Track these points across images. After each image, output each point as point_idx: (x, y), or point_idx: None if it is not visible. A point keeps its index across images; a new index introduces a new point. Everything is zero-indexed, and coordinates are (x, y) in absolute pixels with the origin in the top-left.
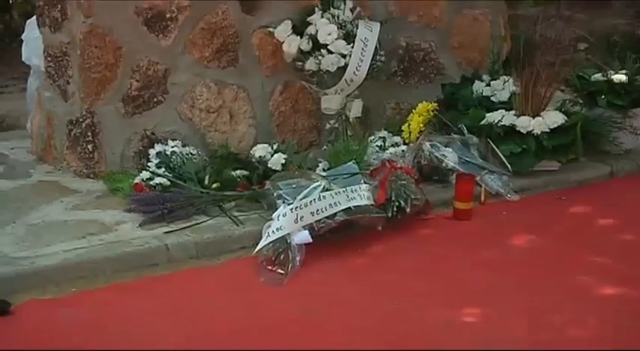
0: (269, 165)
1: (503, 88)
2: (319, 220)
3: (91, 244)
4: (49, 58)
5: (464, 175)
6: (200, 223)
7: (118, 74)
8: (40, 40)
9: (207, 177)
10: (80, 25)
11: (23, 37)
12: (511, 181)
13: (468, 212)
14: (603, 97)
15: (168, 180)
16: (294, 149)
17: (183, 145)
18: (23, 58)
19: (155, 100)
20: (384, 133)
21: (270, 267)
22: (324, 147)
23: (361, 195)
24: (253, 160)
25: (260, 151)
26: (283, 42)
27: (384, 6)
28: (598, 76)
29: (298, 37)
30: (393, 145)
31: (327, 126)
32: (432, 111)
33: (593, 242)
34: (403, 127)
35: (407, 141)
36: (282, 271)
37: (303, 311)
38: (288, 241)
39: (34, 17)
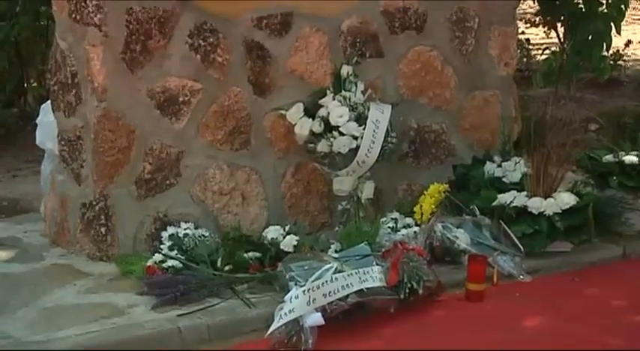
0: (281, 247)
1: (514, 169)
2: (331, 302)
3: (103, 328)
4: (63, 142)
5: (476, 256)
6: (212, 305)
7: (131, 157)
8: (55, 124)
9: (219, 259)
10: (94, 109)
11: (38, 121)
12: (523, 262)
13: (480, 293)
14: (615, 178)
15: (181, 262)
16: (306, 231)
17: (196, 227)
18: (37, 142)
19: (168, 182)
20: (395, 215)
21: (282, 349)
22: (336, 228)
23: (373, 277)
24: (265, 241)
25: (272, 232)
26: (295, 124)
27: (395, 88)
28: (609, 158)
29: (310, 120)
30: (405, 227)
31: (339, 207)
32: (444, 192)
33: (606, 324)
34: (415, 209)
35: (419, 222)
36: None
37: None
38: (301, 323)
39: (49, 102)
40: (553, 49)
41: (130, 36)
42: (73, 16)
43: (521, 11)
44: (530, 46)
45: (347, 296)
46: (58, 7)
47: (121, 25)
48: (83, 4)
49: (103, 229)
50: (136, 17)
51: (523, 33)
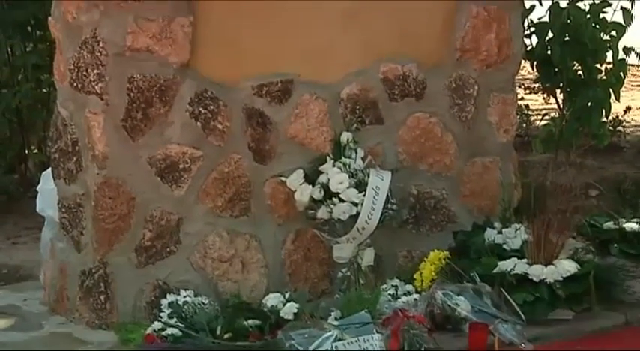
0: (281, 314)
1: (515, 235)
2: None
3: None
4: (63, 210)
5: (477, 324)
6: None
7: (131, 224)
8: (55, 191)
9: (218, 327)
10: (94, 176)
11: (38, 188)
12: (525, 330)
13: None
14: (616, 245)
15: (180, 330)
16: (306, 298)
17: (195, 295)
18: (38, 209)
19: (168, 249)
20: (396, 282)
21: None
22: (337, 295)
23: (374, 344)
24: (265, 309)
25: (272, 300)
26: (295, 191)
27: (395, 154)
28: (610, 225)
29: (310, 186)
30: (405, 294)
31: (340, 274)
32: (444, 259)
33: None
34: (415, 276)
35: (419, 289)
36: None
37: None
38: None
39: (50, 169)
40: (552, 115)
41: (131, 104)
42: (75, 84)
43: (521, 77)
44: (530, 112)
45: None
46: (59, 75)
47: (122, 93)
48: (85, 72)
49: (102, 297)
50: (137, 85)
51: (522, 99)
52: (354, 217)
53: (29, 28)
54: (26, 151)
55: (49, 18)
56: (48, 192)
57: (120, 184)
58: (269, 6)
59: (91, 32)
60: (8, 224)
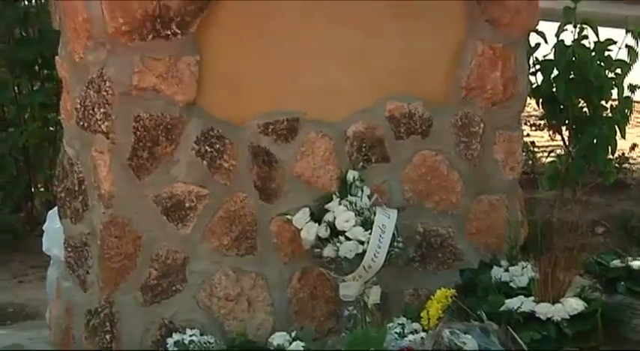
0: None
1: (522, 273)
2: None
3: None
4: (69, 249)
5: None
6: None
7: (137, 263)
8: (61, 230)
9: None
10: (100, 215)
11: (44, 227)
12: None
13: None
14: (622, 283)
15: None
16: (312, 336)
17: (202, 334)
18: (44, 248)
19: (174, 288)
20: (402, 320)
21: None
22: (343, 334)
23: None
24: (272, 348)
25: (278, 338)
26: (301, 229)
27: (401, 192)
28: (617, 263)
29: (316, 225)
30: (411, 332)
31: (346, 312)
32: (451, 297)
33: None
34: (422, 314)
35: (426, 328)
36: None
37: None
38: None
39: (56, 208)
40: (558, 151)
41: (137, 143)
42: (81, 123)
43: (526, 113)
44: (536, 149)
45: None
46: (65, 114)
47: (128, 132)
48: (91, 111)
49: (108, 337)
50: (144, 124)
51: (528, 135)
52: (361, 256)
53: (36, 67)
54: (32, 190)
55: (56, 57)
56: (54, 231)
57: (126, 222)
58: (275, 45)
59: (98, 71)
60: (14, 262)
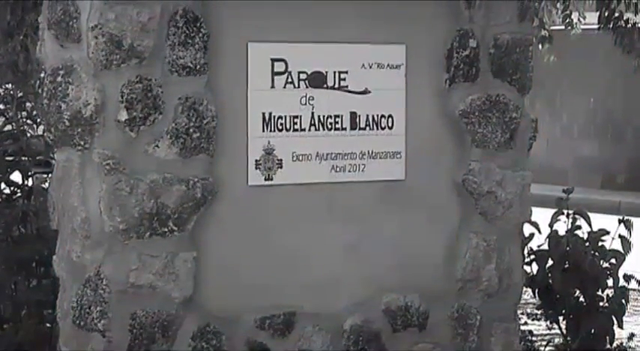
0: None
1: None
2: None
3: None
4: None
5: None
6: None
7: None
8: None
9: None
10: None
11: None
12: None
13: None
14: None
15: None
16: None
17: None
18: None
19: None
20: None
21: None
22: None
23: None
24: None
25: None
26: None
27: None
28: None
29: None
30: None
31: None
32: None
33: None
34: None
35: None
36: None
37: None
38: None
39: None
40: (557, 340)
41: (133, 341)
42: (77, 321)
43: (524, 301)
44: (534, 338)
45: None
46: (62, 312)
47: (124, 330)
48: (87, 310)
49: None
50: (140, 322)
51: (526, 323)
52: None
53: (34, 264)
54: None
55: (54, 256)
56: None
57: None
58: (271, 240)
59: (95, 270)
60: None
